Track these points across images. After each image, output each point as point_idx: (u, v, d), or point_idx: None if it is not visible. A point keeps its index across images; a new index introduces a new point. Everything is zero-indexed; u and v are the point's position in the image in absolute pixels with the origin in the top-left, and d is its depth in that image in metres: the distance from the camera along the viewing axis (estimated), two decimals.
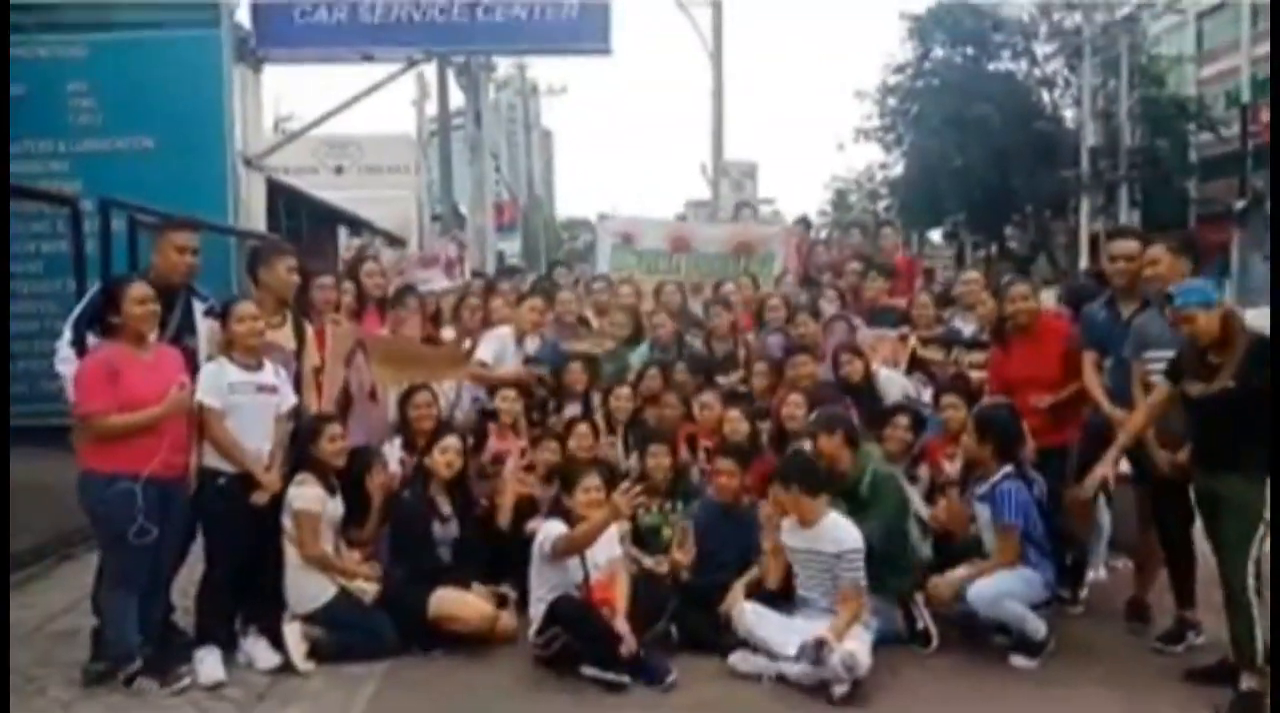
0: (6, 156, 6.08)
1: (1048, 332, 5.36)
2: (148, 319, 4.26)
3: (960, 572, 4.80)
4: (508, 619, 4.80)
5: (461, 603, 4.71)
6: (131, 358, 4.22)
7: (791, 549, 4.64)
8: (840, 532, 4.49)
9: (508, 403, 5.67)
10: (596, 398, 6.08)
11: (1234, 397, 3.97)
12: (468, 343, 6.28)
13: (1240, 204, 24.68)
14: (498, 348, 6.10)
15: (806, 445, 5.20)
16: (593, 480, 4.65)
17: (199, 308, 4.77)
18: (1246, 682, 3.96)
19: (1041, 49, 28.19)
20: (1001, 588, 4.55)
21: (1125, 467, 5.23)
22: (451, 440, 5.07)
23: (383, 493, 4.99)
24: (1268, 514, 3.97)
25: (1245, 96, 27.13)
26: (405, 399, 5.44)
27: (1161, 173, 26.56)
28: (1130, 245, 5.06)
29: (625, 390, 5.99)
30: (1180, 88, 28.98)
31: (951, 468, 5.30)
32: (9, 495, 4.13)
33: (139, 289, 4.26)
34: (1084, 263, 23.34)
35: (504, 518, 5.26)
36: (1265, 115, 25.04)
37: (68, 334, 4.43)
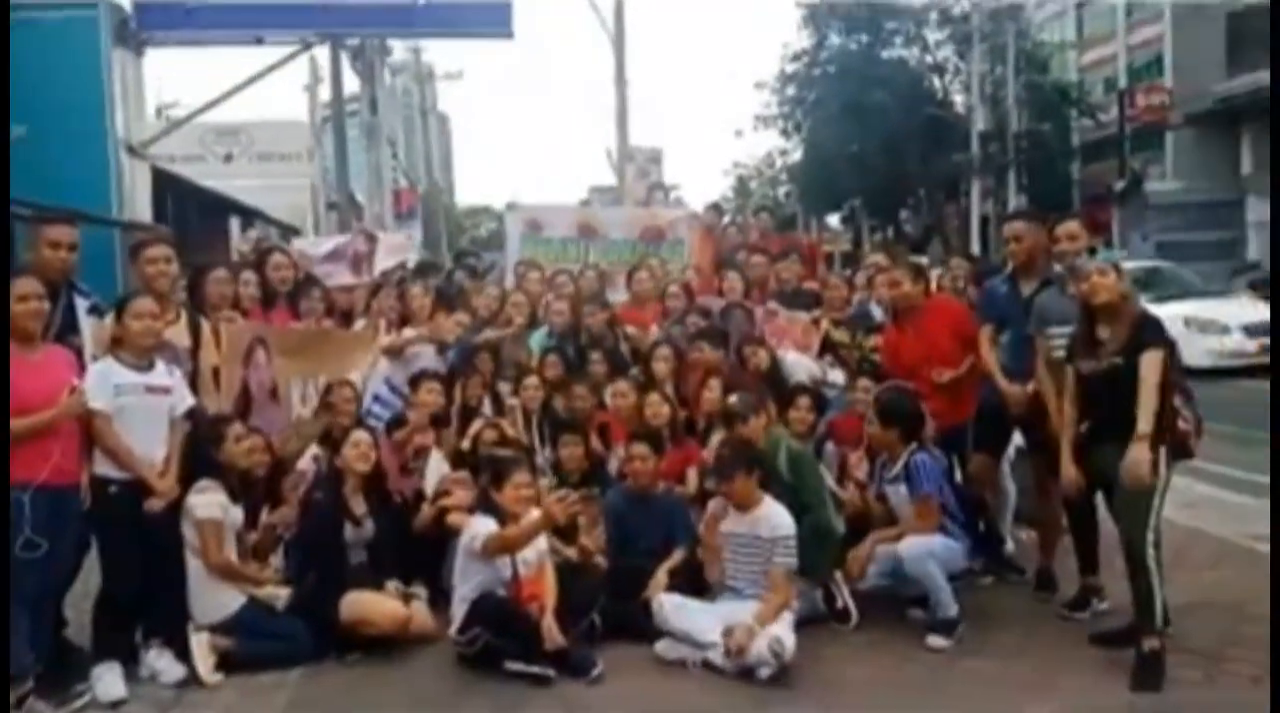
0: (7, 161, 5.65)
1: (937, 312, 5.51)
2: (33, 317, 3.98)
3: (871, 539, 4.87)
4: (421, 619, 4.68)
5: (372, 606, 4.56)
6: (19, 359, 3.94)
7: (726, 535, 4.62)
8: (777, 518, 4.51)
9: (431, 396, 5.53)
10: (506, 388, 6.00)
11: (1121, 372, 4.14)
12: (384, 325, 6.11)
13: (1120, 185, 25.83)
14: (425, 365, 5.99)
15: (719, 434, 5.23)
16: (523, 477, 4.55)
17: (82, 306, 4.48)
18: (1148, 643, 4.11)
19: (932, 36, 28.98)
20: (932, 547, 4.63)
21: (1019, 440, 5.45)
22: (362, 435, 4.90)
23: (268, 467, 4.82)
24: (1162, 485, 4.15)
25: (1122, 82, 28.41)
26: (326, 393, 5.30)
27: (1046, 156, 27.64)
28: (1019, 226, 5.29)
29: (533, 380, 5.93)
30: (1062, 74, 30.18)
31: (856, 456, 5.39)
32: (9, 496, 3.84)
33: (23, 285, 3.98)
34: (975, 246, 24.15)
35: (424, 520, 5.13)
36: (1141, 99, 26.31)
37: None
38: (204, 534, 4.38)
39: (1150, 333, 4.20)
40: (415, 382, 5.64)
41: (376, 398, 5.79)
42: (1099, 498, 4.61)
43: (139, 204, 9.83)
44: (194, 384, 4.70)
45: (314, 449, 5.18)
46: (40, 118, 8.67)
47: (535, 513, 4.45)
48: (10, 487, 3.85)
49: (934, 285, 6.33)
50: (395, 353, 5.97)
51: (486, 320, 6.62)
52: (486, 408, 5.88)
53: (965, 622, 4.64)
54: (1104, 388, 4.23)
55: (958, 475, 5.32)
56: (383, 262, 7.31)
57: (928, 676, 4.30)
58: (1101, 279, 4.22)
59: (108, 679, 4.15)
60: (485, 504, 4.60)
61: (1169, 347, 4.23)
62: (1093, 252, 4.59)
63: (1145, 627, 4.14)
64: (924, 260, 7.62)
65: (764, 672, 4.16)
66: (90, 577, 4.37)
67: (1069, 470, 4.46)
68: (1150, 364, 4.10)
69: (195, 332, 4.83)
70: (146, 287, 4.68)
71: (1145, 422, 4.06)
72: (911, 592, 4.76)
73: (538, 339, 6.53)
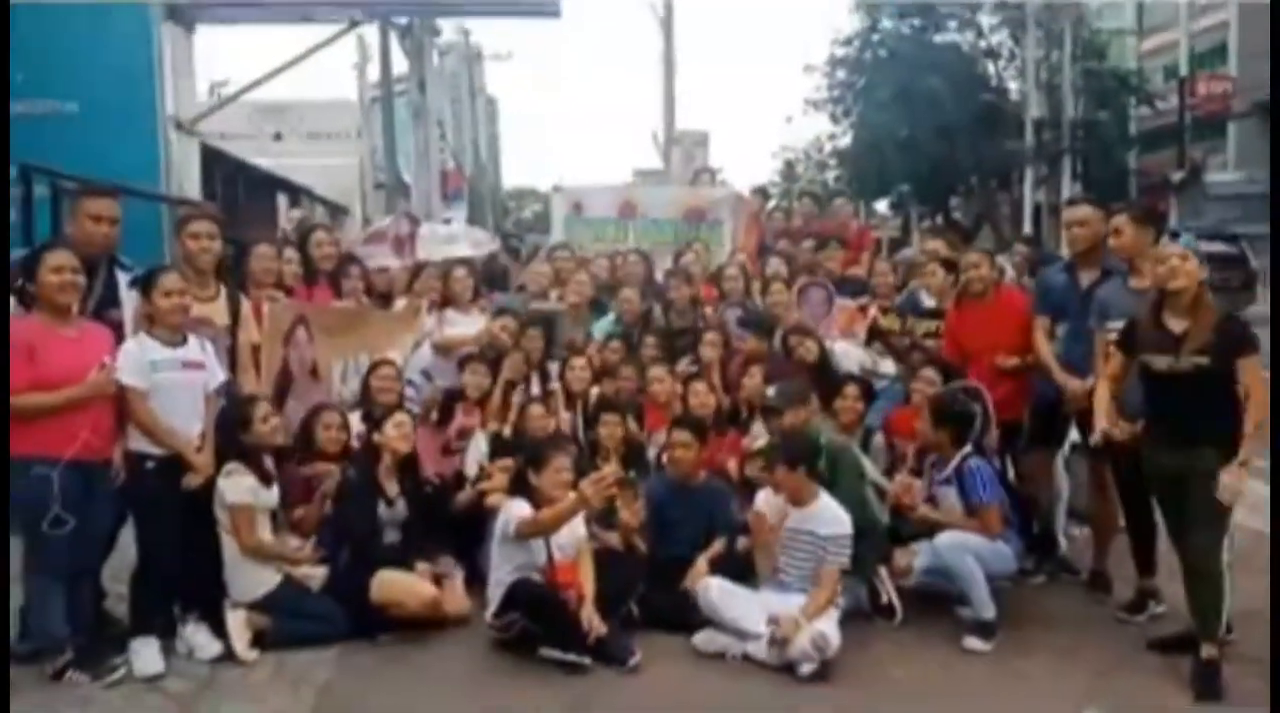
0: (7, 147, 5.72)
1: (1005, 301, 5.31)
2: (66, 290, 3.95)
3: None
4: (454, 600, 4.63)
5: (403, 587, 4.52)
6: (51, 333, 3.92)
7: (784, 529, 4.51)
8: (832, 514, 4.41)
9: (476, 377, 5.47)
10: (557, 368, 5.93)
11: (1209, 373, 3.90)
12: (425, 305, 6.07)
13: (1178, 175, 25.14)
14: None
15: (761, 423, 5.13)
16: (563, 461, 4.46)
17: (123, 279, 4.46)
18: (1207, 650, 3.96)
19: (986, 20, 28.35)
20: (969, 542, 4.50)
21: (1075, 436, 5.25)
22: (404, 417, 4.86)
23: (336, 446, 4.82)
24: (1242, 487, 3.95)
25: (1183, 70, 27.61)
26: (369, 373, 5.28)
27: (1102, 145, 26.95)
28: (1083, 211, 5.01)
29: (581, 361, 5.84)
30: (1121, 61, 29.39)
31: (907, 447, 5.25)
32: (8, 495, 3.86)
33: (56, 257, 3.94)
34: (1027, 232, 23.61)
35: (464, 502, 5.09)
36: (1202, 88, 25.55)
37: None
38: (235, 518, 4.36)
39: (1243, 335, 3.95)
40: (462, 363, 5.61)
41: (410, 383, 5.75)
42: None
43: (187, 180, 9.89)
44: (233, 362, 4.68)
45: (361, 425, 5.12)
46: (91, 94, 8.75)
47: (571, 496, 4.38)
48: (38, 462, 3.83)
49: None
50: (445, 350, 5.92)
51: (535, 296, 6.58)
52: (534, 387, 5.80)
53: (1016, 622, 4.51)
54: (1181, 390, 3.97)
55: (1010, 474, 5.16)
56: (448, 248, 7.16)
57: (975, 676, 4.17)
58: (1183, 264, 3.97)
59: (145, 654, 4.15)
60: (522, 487, 4.53)
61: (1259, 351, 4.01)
62: (1156, 238, 4.38)
63: (1207, 636, 3.97)
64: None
65: (805, 668, 4.06)
66: (130, 549, 4.37)
67: (1105, 421, 4.24)
68: (1252, 373, 3.86)
69: (234, 309, 4.80)
70: (188, 261, 4.67)
71: (1248, 446, 3.84)
72: (958, 589, 4.61)
73: (604, 325, 6.46)
